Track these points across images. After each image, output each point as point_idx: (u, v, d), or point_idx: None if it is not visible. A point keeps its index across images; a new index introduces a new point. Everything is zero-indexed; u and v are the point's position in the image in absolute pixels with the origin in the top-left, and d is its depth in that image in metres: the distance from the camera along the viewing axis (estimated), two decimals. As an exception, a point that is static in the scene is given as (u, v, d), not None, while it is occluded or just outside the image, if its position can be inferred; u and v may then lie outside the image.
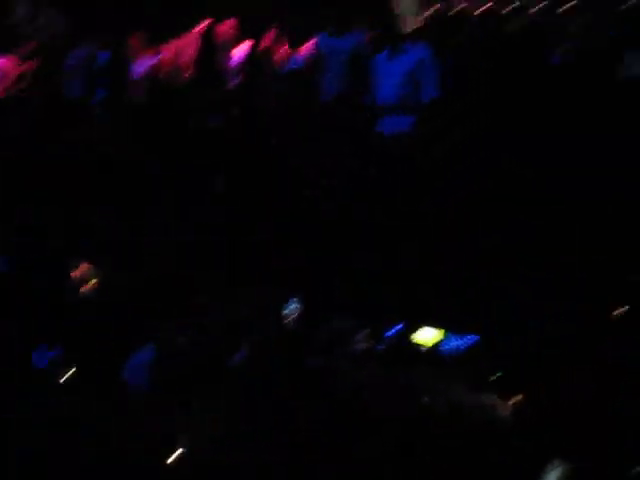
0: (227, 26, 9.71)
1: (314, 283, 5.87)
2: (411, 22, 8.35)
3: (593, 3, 8.27)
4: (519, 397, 4.36)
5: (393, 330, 5.16)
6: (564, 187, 6.21)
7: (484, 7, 8.22)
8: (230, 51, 9.70)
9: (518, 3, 8.10)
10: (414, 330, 5.16)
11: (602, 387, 4.32)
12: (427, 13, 8.54)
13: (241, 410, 4.65)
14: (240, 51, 9.67)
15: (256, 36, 9.45)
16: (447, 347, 5.07)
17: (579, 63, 7.48)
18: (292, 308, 5.39)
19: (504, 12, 8.11)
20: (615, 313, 5.01)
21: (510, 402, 4.35)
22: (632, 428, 4.12)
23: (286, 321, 5.29)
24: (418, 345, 5.13)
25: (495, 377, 4.57)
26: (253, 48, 9.41)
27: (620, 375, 4.39)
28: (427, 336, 5.14)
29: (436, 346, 5.10)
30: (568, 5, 7.87)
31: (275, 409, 4.58)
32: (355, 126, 7.68)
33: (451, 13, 8.60)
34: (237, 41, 9.62)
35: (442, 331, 5.13)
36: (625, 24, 7.70)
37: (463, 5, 8.69)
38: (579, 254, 5.59)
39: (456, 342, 5.06)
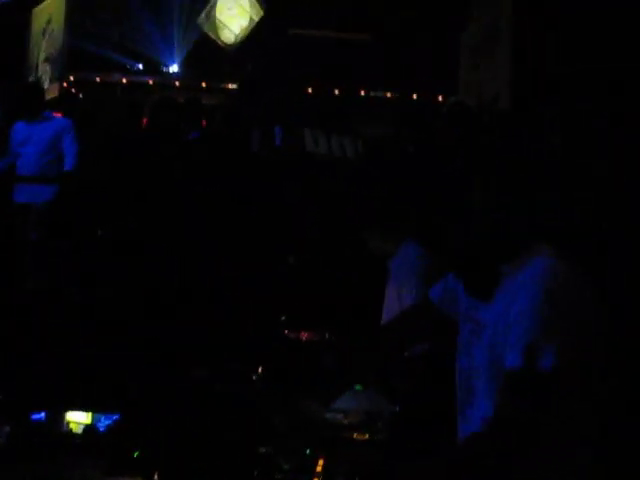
0: None
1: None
2: (51, 90, 8.21)
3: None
4: (158, 475, 4.28)
5: (38, 415, 4.84)
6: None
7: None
8: None
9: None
10: (61, 414, 4.88)
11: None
12: (65, 82, 8.50)
13: None
14: None
15: None
16: (96, 429, 4.86)
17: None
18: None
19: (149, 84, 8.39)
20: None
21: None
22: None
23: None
24: (66, 430, 4.87)
25: (136, 455, 4.45)
26: None
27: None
28: (75, 419, 4.90)
29: (85, 429, 4.86)
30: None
31: None
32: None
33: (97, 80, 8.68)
34: None
35: (90, 413, 4.92)
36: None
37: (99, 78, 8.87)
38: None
39: (104, 422, 4.88)
